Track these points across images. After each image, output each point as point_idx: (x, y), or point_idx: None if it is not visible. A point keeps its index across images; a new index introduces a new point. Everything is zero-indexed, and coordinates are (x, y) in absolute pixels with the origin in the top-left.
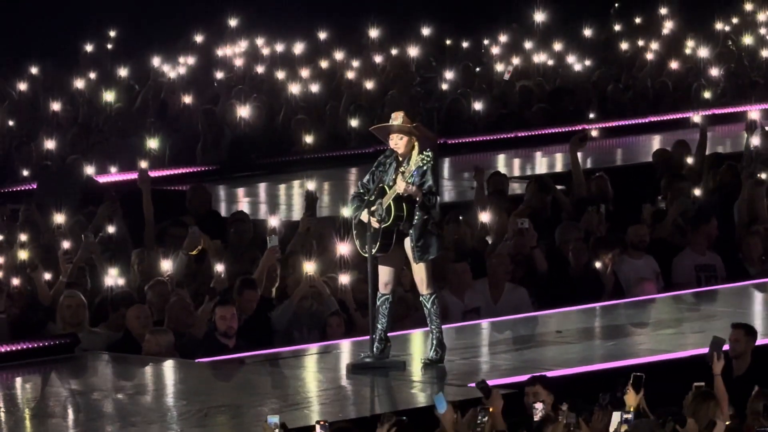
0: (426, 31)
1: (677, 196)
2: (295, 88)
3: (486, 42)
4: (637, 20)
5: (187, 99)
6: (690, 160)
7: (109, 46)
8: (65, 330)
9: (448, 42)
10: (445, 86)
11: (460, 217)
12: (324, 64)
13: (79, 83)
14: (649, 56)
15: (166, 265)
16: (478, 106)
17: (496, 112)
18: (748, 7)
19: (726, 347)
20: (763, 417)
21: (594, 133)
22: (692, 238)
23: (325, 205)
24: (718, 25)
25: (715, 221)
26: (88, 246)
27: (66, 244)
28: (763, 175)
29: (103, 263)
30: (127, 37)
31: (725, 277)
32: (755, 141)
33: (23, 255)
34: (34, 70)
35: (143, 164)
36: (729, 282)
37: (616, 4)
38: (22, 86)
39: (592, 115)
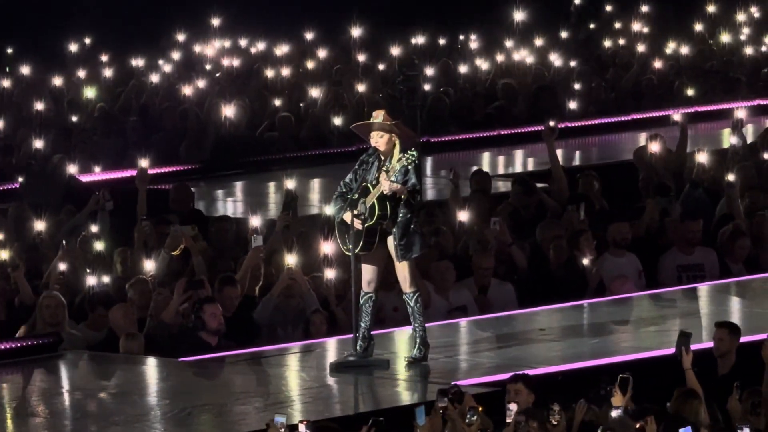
0: (408, 30)
1: (655, 194)
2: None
3: (472, 37)
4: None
5: (170, 99)
6: (656, 148)
7: (91, 46)
8: (45, 330)
9: (428, 40)
10: (427, 87)
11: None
12: (309, 63)
13: (61, 82)
14: (640, 47)
15: (149, 265)
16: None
17: (480, 110)
18: (711, 8)
19: (696, 345)
20: (750, 415)
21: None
22: (674, 237)
23: (309, 203)
24: (697, 26)
25: (699, 220)
26: (70, 253)
27: (62, 266)
28: (731, 177)
29: (84, 267)
30: (109, 37)
31: (716, 275)
32: (740, 139)
33: (4, 255)
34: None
35: (143, 163)
36: (713, 279)
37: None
38: (6, 83)
39: (572, 106)
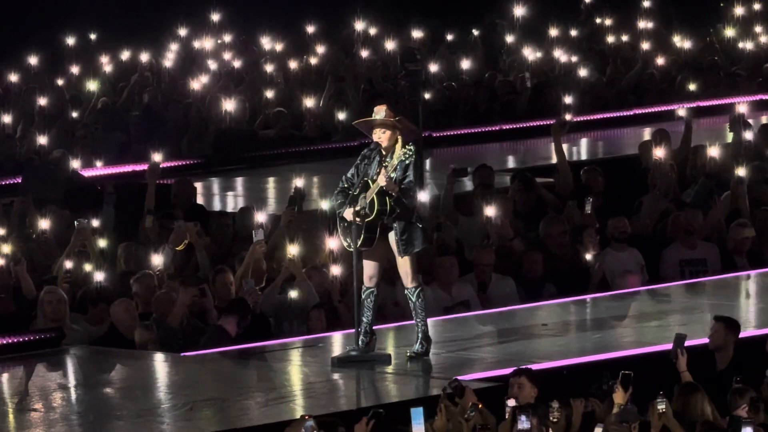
0: (410, 25)
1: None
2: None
3: (474, 32)
4: (608, 21)
5: (172, 94)
6: (660, 153)
7: (93, 39)
8: (46, 326)
9: (432, 35)
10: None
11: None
12: (308, 56)
13: (64, 78)
14: (644, 44)
15: (157, 260)
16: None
17: (483, 104)
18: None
19: (688, 343)
20: (750, 411)
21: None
22: (676, 231)
23: (311, 198)
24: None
25: (699, 211)
26: (81, 232)
27: (68, 264)
28: (741, 172)
29: (95, 251)
30: (112, 31)
31: (718, 271)
32: (742, 133)
33: (6, 249)
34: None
35: (157, 157)
36: (715, 274)
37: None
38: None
39: (568, 101)
